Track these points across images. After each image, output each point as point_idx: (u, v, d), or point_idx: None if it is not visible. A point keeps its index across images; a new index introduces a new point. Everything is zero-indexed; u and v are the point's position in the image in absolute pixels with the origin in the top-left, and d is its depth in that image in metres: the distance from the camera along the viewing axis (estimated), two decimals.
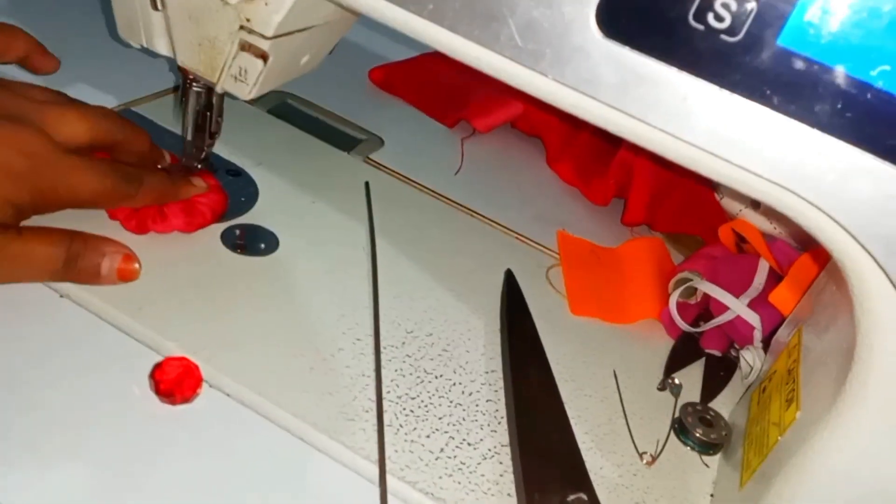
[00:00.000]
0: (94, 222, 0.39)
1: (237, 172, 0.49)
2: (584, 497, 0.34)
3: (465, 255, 0.50)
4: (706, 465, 0.40)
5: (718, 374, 0.46)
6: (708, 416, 0.41)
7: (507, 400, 0.39)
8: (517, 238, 0.54)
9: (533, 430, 0.37)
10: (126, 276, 0.38)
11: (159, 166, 0.44)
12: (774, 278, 0.48)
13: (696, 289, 0.48)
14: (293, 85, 0.60)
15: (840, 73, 0.23)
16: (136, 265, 0.38)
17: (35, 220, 0.37)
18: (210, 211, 0.43)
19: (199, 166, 0.46)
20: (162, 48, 0.39)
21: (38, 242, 0.35)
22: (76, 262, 0.36)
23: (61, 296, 0.37)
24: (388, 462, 0.34)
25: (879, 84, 0.23)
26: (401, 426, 0.36)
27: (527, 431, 0.36)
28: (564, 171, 0.64)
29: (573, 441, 0.37)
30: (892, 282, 0.26)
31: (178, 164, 0.45)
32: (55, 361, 0.34)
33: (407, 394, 0.38)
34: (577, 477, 0.35)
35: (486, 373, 0.41)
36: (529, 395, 0.39)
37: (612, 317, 0.49)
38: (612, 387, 0.43)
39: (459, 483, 0.34)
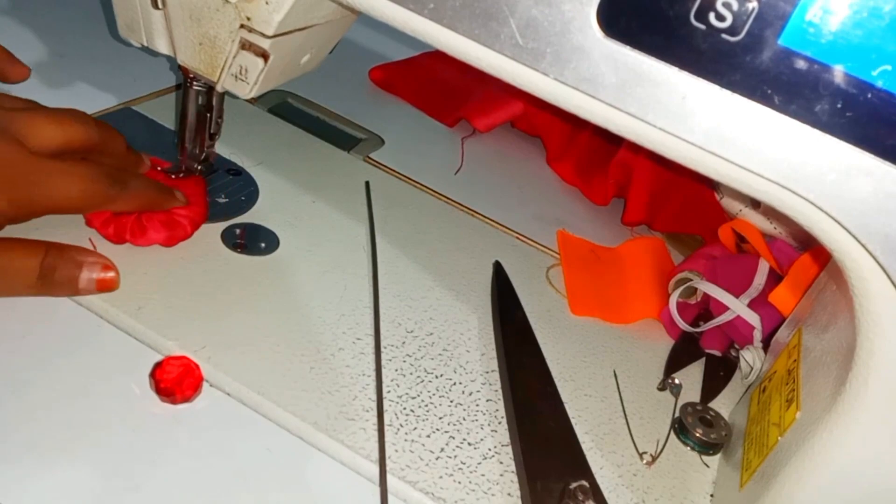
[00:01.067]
0: (71, 231, 0.39)
1: (237, 172, 0.49)
2: (586, 484, 0.34)
3: (466, 254, 0.50)
4: (706, 465, 0.40)
5: (718, 374, 0.46)
6: (708, 416, 0.41)
7: (505, 392, 0.39)
8: (517, 238, 0.54)
9: (532, 419, 0.37)
10: (105, 287, 0.36)
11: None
12: (774, 278, 0.48)
13: (696, 289, 0.48)
14: (293, 84, 0.60)
15: (841, 72, 0.23)
16: (115, 274, 0.37)
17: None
18: (191, 224, 0.42)
19: (200, 167, 0.46)
20: (162, 47, 0.39)
21: (11, 255, 0.34)
22: (52, 274, 0.35)
23: None
24: (388, 462, 0.34)
25: (880, 84, 0.23)
26: (401, 426, 0.36)
27: (526, 421, 0.37)
28: (564, 170, 0.64)
29: (571, 429, 0.37)
30: (892, 282, 0.26)
31: (172, 167, 0.45)
32: (55, 361, 0.34)
33: (407, 393, 0.38)
34: (578, 465, 0.35)
35: (487, 372, 0.41)
36: (526, 385, 0.39)
37: (612, 317, 0.49)
38: (612, 387, 0.43)
39: (459, 483, 0.34)
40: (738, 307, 0.46)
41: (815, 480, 0.30)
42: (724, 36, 0.24)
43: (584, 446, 0.37)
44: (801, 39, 0.23)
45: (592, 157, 0.63)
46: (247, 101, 0.57)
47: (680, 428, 0.41)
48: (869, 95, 0.23)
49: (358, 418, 0.35)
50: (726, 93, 0.25)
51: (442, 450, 0.36)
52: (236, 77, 0.37)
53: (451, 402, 0.38)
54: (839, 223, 0.25)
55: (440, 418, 0.37)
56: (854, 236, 0.25)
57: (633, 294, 0.51)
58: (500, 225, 0.54)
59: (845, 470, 0.30)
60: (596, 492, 0.34)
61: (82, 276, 0.36)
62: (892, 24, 0.22)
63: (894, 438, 0.28)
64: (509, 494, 0.34)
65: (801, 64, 0.23)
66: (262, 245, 0.44)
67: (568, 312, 0.48)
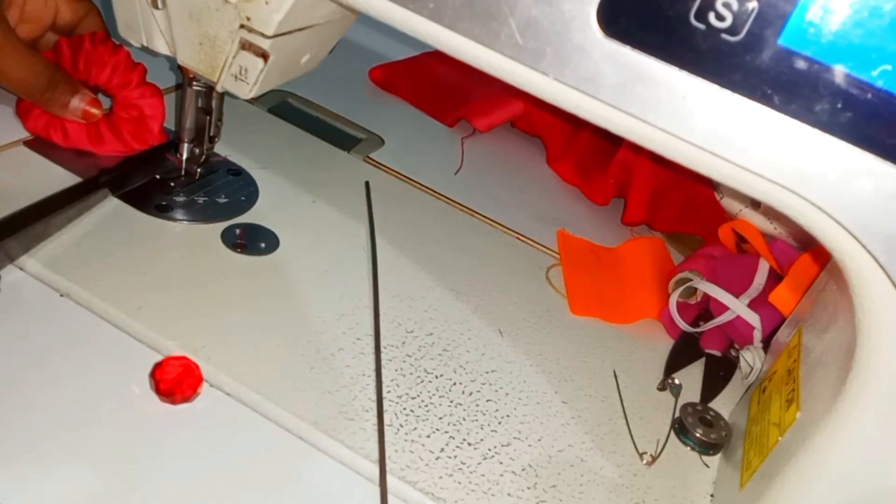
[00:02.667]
0: None
1: (237, 172, 0.49)
2: None
3: (465, 254, 0.50)
4: (706, 465, 0.40)
5: (718, 374, 0.46)
6: (708, 416, 0.41)
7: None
8: (517, 238, 0.54)
9: None
10: (87, 117, 0.44)
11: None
12: (774, 278, 0.48)
13: (696, 289, 0.48)
14: (293, 84, 0.60)
15: (841, 72, 0.23)
16: (98, 111, 0.44)
17: None
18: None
19: (200, 169, 0.46)
20: (162, 47, 0.39)
21: (33, 66, 0.41)
22: (55, 89, 0.42)
23: (61, 295, 0.37)
24: (388, 462, 0.34)
25: (880, 84, 0.23)
26: (401, 426, 0.36)
27: None
28: (564, 170, 0.64)
29: None
30: (892, 282, 0.26)
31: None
32: (55, 361, 0.34)
33: (407, 393, 0.38)
34: None
35: (487, 373, 0.41)
36: None
37: (612, 317, 0.49)
38: (612, 387, 0.43)
39: (459, 483, 0.34)
40: (738, 307, 0.46)
41: (816, 480, 0.30)
42: (724, 36, 0.24)
43: (583, 447, 0.37)
44: (801, 39, 0.23)
45: (592, 157, 0.63)
46: (247, 101, 0.57)
47: (680, 428, 0.41)
48: (869, 95, 0.23)
49: (358, 418, 0.35)
50: (726, 93, 0.25)
51: (442, 450, 0.35)
52: (236, 77, 0.37)
53: (451, 402, 0.38)
54: (840, 223, 0.25)
55: (440, 418, 0.37)
56: (854, 236, 0.25)
57: (633, 294, 0.51)
58: (500, 225, 0.54)
59: (846, 470, 0.30)
60: None
61: (73, 100, 0.43)
62: (892, 24, 0.22)
63: (894, 438, 0.28)
64: (508, 495, 0.34)
65: (801, 64, 0.23)
66: (262, 245, 0.44)
67: (568, 312, 0.48)
